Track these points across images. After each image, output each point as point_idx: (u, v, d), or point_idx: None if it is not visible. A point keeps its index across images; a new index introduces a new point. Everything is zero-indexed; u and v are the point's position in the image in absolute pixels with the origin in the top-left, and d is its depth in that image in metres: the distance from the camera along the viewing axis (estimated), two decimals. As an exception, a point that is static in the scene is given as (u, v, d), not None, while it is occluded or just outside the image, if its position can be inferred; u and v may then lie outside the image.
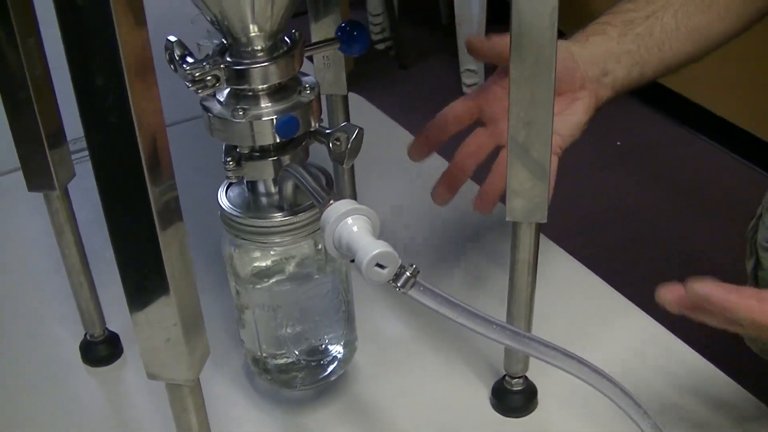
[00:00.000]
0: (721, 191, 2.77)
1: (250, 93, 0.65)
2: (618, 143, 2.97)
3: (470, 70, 3.25)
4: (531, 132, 0.64)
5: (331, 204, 0.59)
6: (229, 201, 0.70)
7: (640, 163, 2.95)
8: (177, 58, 0.64)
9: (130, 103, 0.46)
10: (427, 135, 0.88)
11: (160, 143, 0.50)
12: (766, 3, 0.96)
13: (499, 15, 3.31)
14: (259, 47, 0.64)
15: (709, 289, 0.63)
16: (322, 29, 0.83)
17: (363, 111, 1.24)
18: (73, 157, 0.77)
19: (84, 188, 0.74)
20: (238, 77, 0.64)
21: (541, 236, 0.72)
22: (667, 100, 2.98)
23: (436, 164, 0.91)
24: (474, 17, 3.16)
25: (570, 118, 0.86)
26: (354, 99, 0.90)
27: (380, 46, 3.62)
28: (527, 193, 0.66)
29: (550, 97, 0.63)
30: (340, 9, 0.84)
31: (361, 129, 0.68)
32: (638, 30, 0.90)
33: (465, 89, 3.29)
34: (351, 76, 0.87)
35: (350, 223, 0.57)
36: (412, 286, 0.56)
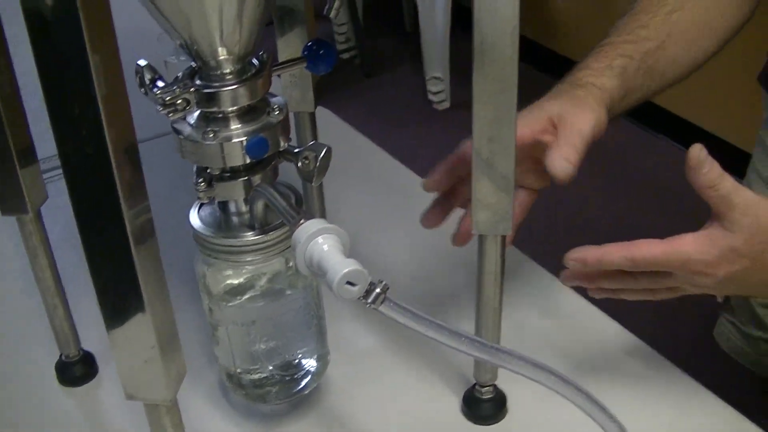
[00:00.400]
0: (686, 191, 2.80)
1: (220, 115, 0.66)
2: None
3: (436, 77, 3.27)
4: (494, 147, 0.66)
5: (302, 224, 0.60)
6: (201, 221, 0.71)
7: (604, 167, 2.97)
8: (147, 82, 0.65)
9: (105, 133, 0.48)
10: (445, 169, 0.84)
11: (134, 169, 0.52)
12: (739, 23, 0.99)
13: (462, 21, 3.34)
14: (228, 70, 0.66)
15: (578, 252, 0.75)
16: (289, 43, 0.84)
17: (330, 125, 1.25)
18: (44, 176, 0.77)
19: (56, 206, 0.75)
20: (208, 100, 0.65)
21: (510, 246, 0.74)
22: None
23: (404, 178, 0.93)
24: (438, 24, 3.17)
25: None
26: (321, 113, 0.92)
27: (345, 56, 3.64)
28: (492, 206, 0.68)
29: (512, 113, 0.64)
30: (307, 25, 0.85)
31: (329, 148, 0.69)
32: (650, 62, 0.91)
33: (430, 96, 3.31)
34: (317, 86, 0.87)
35: (321, 243, 0.59)
36: (382, 302, 0.58)
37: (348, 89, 3.41)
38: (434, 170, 0.84)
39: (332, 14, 0.75)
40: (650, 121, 3.09)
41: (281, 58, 0.84)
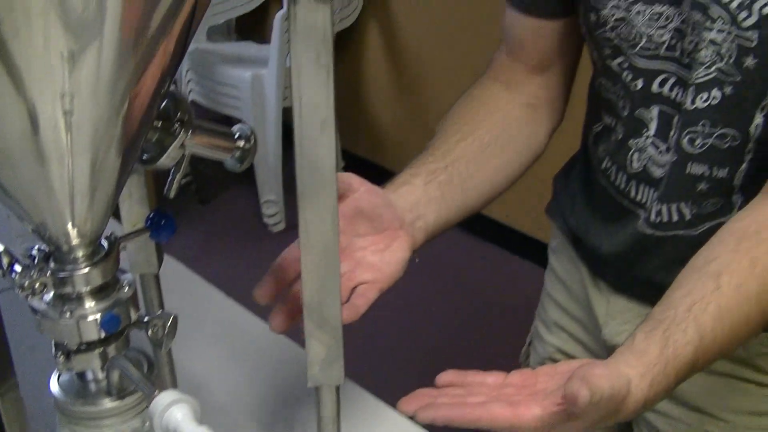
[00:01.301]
0: (516, 296, 2.94)
1: (74, 295, 0.73)
2: (417, 260, 3.10)
3: (270, 200, 3.36)
4: (323, 310, 0.75)
5: (156, 395, 0.68)
6: (60, 388, 0.77)
7: (440, 277, 3.09)
8: (5, 267, 0.71)
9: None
10: (272, 277, 0.91)
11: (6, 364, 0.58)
12: (548, 130, 1.12)
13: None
14: (80, 254, 0.72)
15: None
16: (132, 211, 0.90)
17: (176, 276, 1.31)
18: None
19: None
20: (63, 283, 0.72)
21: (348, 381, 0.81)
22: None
23: (252, 328, 0.98)
24: (269, 149, 3.27)
25: (394, 254, 0.94)
26: (167, 260, 0.97)
27: (181, 182, 3.67)
28: (324, 361, 0.77)
29: (336, 282, 0.73)
30: (148, 195, 0.92)
31: (175, 316, 0.76)
32: (440, 178, 1.01)
33: (265, 219, 3.39)
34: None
35: (175, 412, 0.67)
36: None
37: (185, 215, 3.46)
38: (262, 281, 0.91)
39: (171, 194, 0.83)
40: (474, 228, 3.24)
41: (125, 226, 0.91)
